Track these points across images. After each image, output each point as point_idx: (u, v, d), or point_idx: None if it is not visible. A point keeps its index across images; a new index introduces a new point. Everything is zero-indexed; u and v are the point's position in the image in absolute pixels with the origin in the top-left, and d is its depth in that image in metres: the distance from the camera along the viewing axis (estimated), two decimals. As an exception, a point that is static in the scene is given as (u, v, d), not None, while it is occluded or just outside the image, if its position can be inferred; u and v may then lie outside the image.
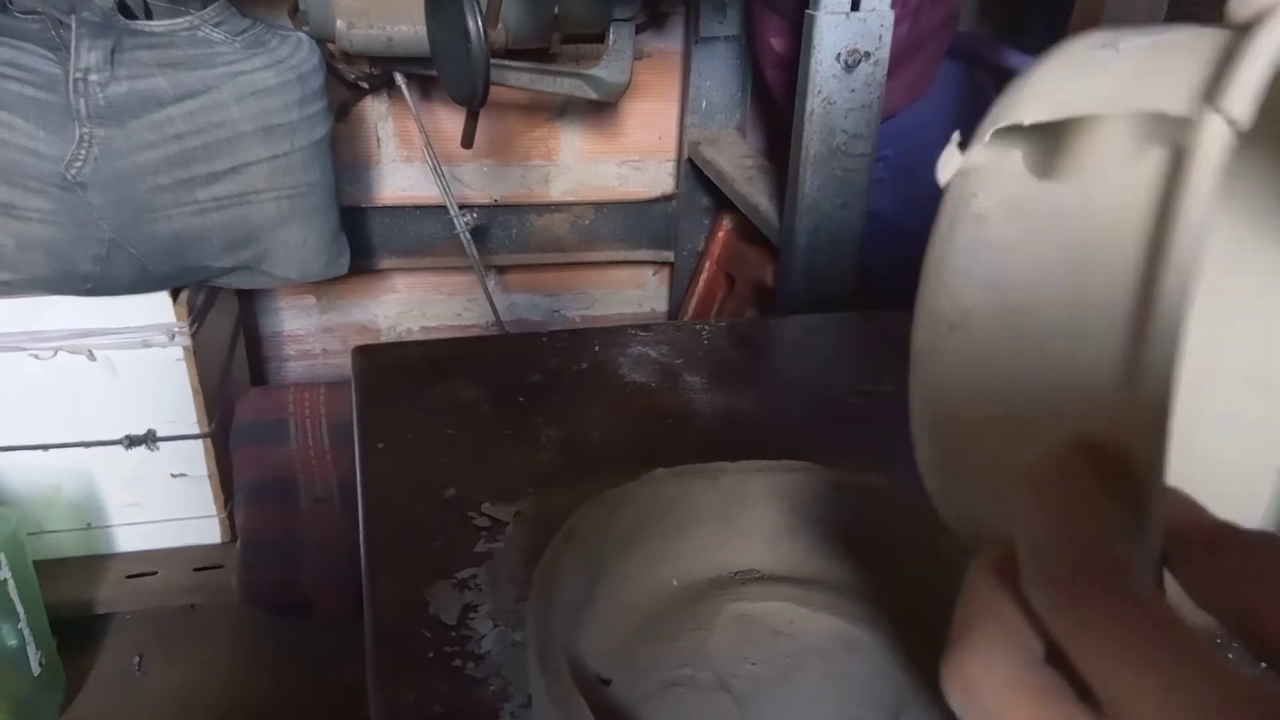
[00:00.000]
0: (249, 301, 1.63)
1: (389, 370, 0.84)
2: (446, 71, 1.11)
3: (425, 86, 1.49)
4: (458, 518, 0.66)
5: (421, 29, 1.16)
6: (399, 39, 1.24)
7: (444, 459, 0.72)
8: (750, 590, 0.56)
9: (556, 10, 1.26)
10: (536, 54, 1.38)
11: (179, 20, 1.15)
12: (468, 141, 1.19)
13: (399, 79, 1.39)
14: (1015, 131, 0.26)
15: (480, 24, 0.97)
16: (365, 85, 1.46)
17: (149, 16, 1.17)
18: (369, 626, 0.57)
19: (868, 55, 1.10)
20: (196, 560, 1.41)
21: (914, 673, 0.50)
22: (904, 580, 0.54)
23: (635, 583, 0.54)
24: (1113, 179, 0.23)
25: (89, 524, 1.38)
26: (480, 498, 0.68)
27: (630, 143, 1.66)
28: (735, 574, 0.57)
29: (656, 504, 0.54)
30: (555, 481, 0.70)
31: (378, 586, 0.60)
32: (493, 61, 1.03)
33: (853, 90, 1.12)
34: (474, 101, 1.05)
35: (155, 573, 1.39)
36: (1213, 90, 0.21)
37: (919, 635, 0.53)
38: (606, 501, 0.53)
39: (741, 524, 0.57)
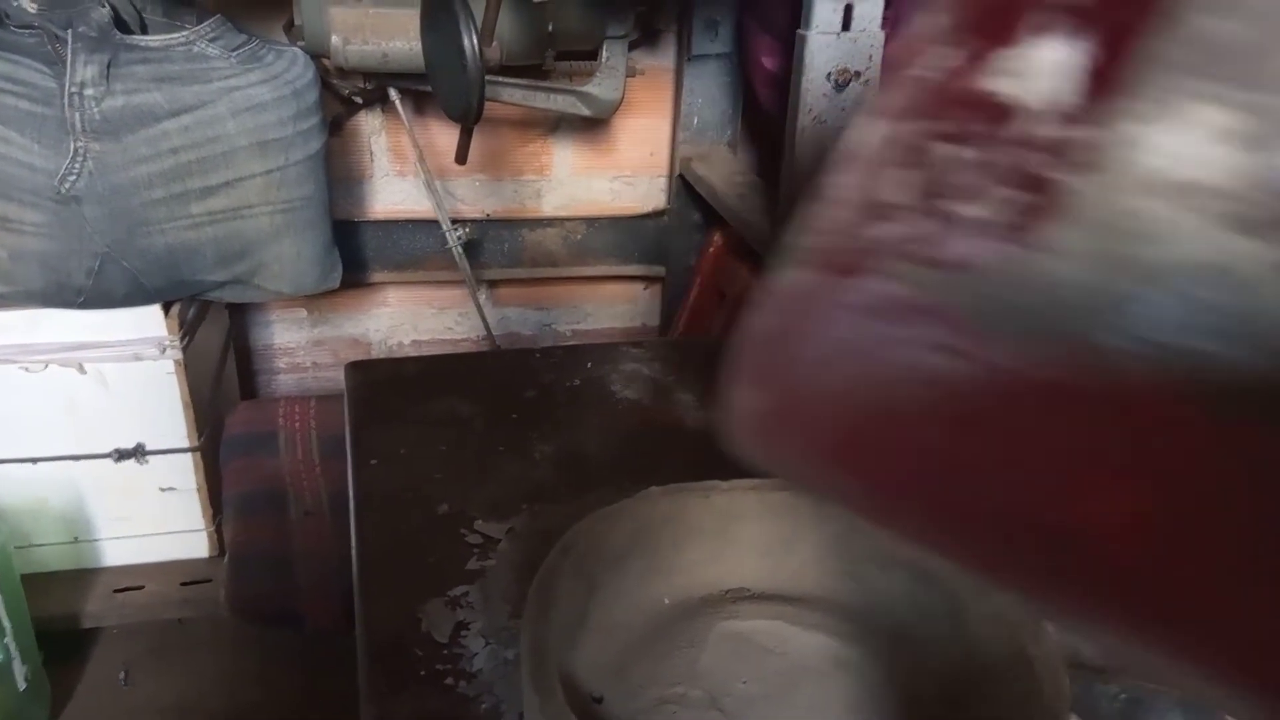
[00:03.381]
0: (240, 314, 1.63)
1: (383, 385, 0.84)
2: (441, 88, 1.11)
3: (419, 101, 1.50)
4: (451, 534, 0.66)
5: (416, 45, 1.17)
6: (394, 55, 1.24)
7: (437, 475, 0.72)
8: (742, 608, 0.56)
9: (551, 28, 1.27)
10: (530, 70, 1.38)
11: (175, 35, 1.16)
12: (462, 158, 1.19)
13: (393, 94, 1.40)
14: None
15: (475, 42, 0.98)
16: (359, 100, 1.46)
17: (145, 31, 1.17)
18: (361, 644, 0.58)
19: (858, 75, 1.11)
20: (184, 574, 1.41)
21: (904, 691, 0.51)
22: (894, 598, 0.55)
23: (628, 600, 0.54)
24: None
25: (76, 537, 1.37)
26: (474, 514, 0.68)
27: (623, 158, 1.67)
28: (727, 592, 0.57)
29: (650, 521, 0.55)
30: (548, 498, 0.70)
31: (371, 604, 0.61)
32: (487, 78, 1.04)
33: (843, 109, 1.13)
34: (469, 118, 1.05)
35: (142, 586, 1.39)
36: None
37: (909, 653, 0.53)
38: (601, 519, 0.53)
39: (734, 541, 0.57)
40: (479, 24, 1.00)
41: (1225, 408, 0.17)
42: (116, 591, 1.37)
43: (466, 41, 0.97)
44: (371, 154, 1.56)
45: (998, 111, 0.20)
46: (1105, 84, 0.19)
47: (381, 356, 1.73)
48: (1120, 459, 0.18)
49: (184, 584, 1.39)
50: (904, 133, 0.22)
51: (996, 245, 0.19)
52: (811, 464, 0.24)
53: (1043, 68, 0.19)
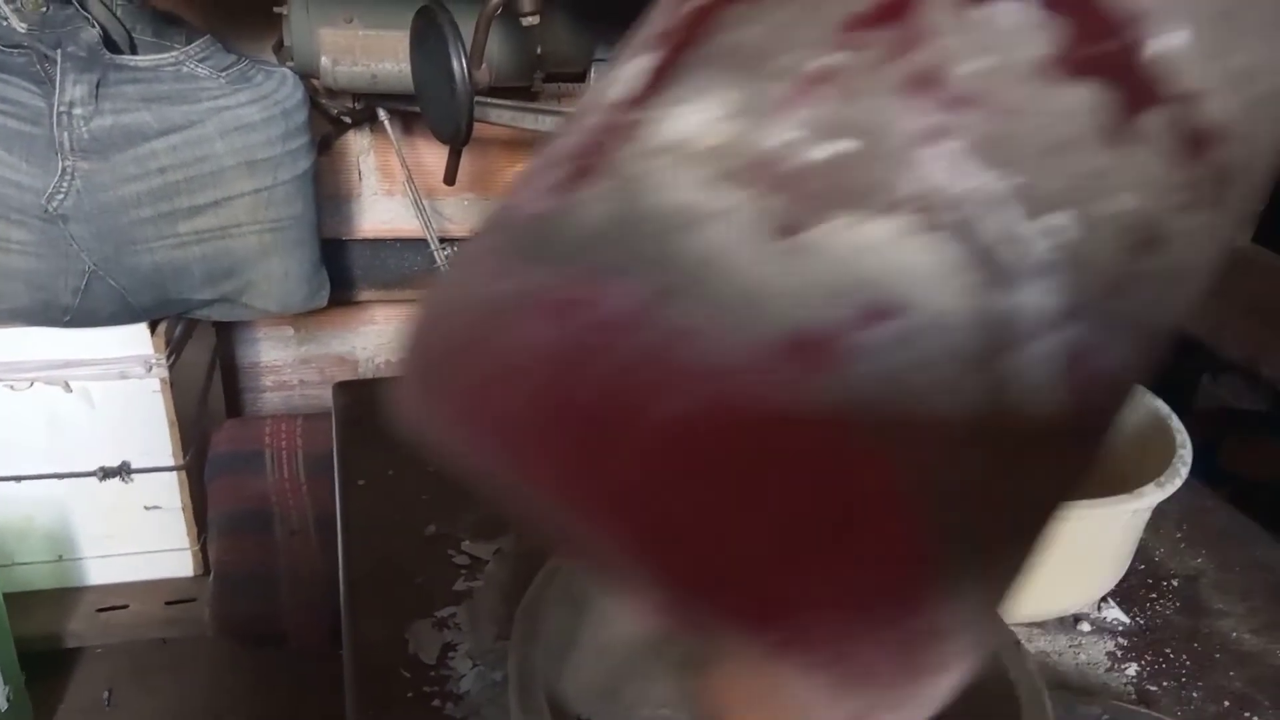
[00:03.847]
0: (226, 332, 1.63)
1: (370, 406, 0.85)
2: (430, 110, 1.12)
3: (407, 120, 1.51)
4: (438, 555, 0.66)
5: (405, 67, 1.17)
6: (383, 76, 1.25)
7: (425, 496, 0.73)
8: (728, 629, 0.56)
9: (539, 50, 1.28)
10: (519, 92, 1.39)
11: (164, 55, 1.16)
12: (451, 178, 1.20)
13: (382, 114, 1.40)
14: None
15: (465, 65, 0.99)
16: (348, 120, 1.47)
17: (134, 52, 1.18)
18: (348, 666, 0.58)
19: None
20: (168, 593, 1.40)
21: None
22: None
23: (617, 621, 0.54)
24: None
25: (60, 556, 1.37)
26: (461, 535, 0.68)
27: (610, 179, 1.68)
28: (713, 613, 0.57)
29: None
30: (535, 519, 0.71)
31: (358, 625, 0.61)
32: (476, 99, 1.05)
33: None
34: (458, 140, 1.06)
35: (126, 606, 1.38)
36: None
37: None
38: (587, 541, 0.53)
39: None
40: (468, 47, 1.01)
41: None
42: (100, 611, 1.37)
43: (456, 64, 0.98)
44: (360, 173, 1.57)
45: (596, 108, 0.25)
46: (662, 81, 0.24)
47: (368, 374, 1.74)
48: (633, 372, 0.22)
49: (168, 603, 1.39)
50: (552, 146, 0.28)
51: (556, 199, 0.24)
52: (449, 420, 0.26)
53: (629, 74, 0.25)
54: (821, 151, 0.21)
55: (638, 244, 0.22)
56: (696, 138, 0.22)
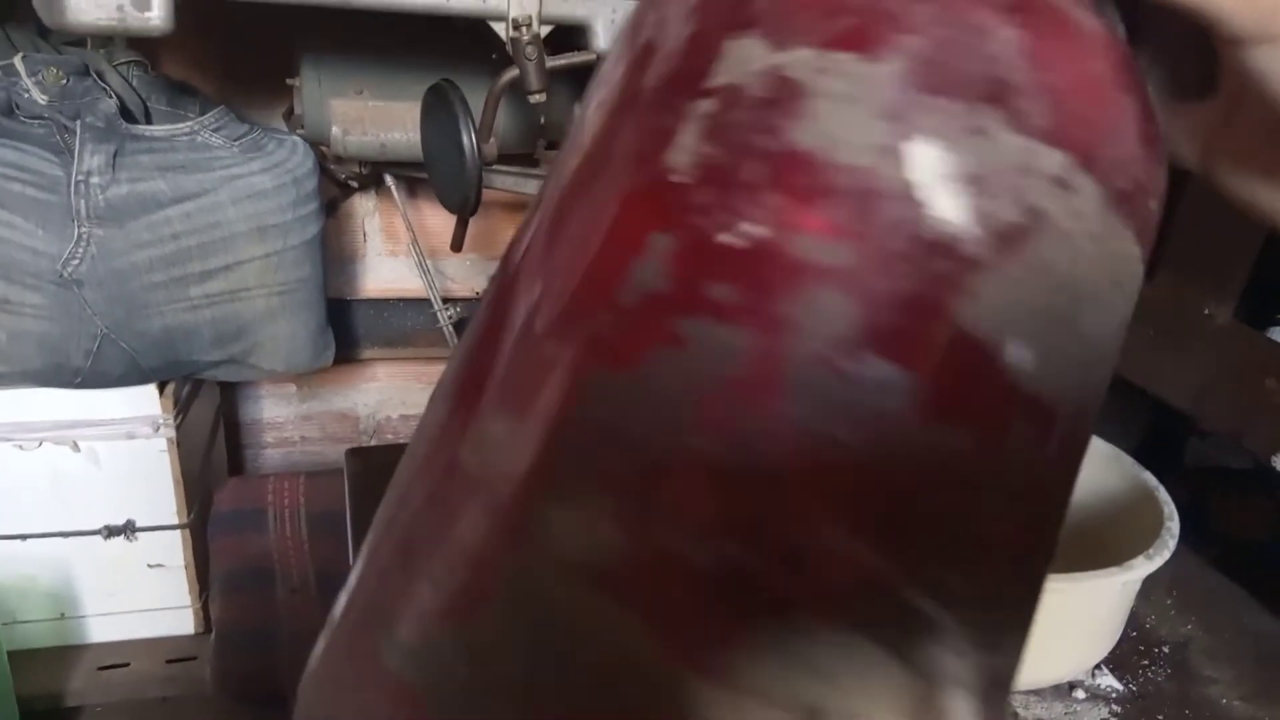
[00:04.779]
0: (229, 389, 1.65)
1: (383, 472, 0.86)
2: (439, 180, 1.15)
3: (412, 184, 1.54)
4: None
5: (414, 136, 1.21)
6: (392, 145, 1.29)
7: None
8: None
9: (542, 120, 1.32)
10: (522, 158, 1.43)
11: (179, 125, 1.20)
12: (458, 246, 1.23)
13: (388, 179, 1.44)
14: None
15: (474, 139, 1.02)
16: (355, 184, 1.50)
17: (150, 121, 1.21)
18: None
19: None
20: (170, 651, 1.41)
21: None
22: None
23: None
24: None
25: (63, 614, 1.37)
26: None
27: (609, 239, 1.71)
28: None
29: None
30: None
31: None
32: (483, 169, 1.08)
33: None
34: (466, 210, 1.09)
35: (128, 664, 1.38)
36: None
37: None
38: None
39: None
40: (477, 121, 1.05)
41: None
42: (101, 669, 1.37)
43: (466, 140, 1.01)
44: (365, 234, 1.60)
45: (465, 484, 0.27)
46: (542, 467, 0.23)
47: (369, 430, 1.76)
48: None
49: (169, 661, 1.39)
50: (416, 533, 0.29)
51: (452, 615, 0.25)
52: None
53: (495, 439, 0.26)
54: (700, 558, 0.21)
55: (548, 676, 0.22)
56: (578, 550, 0.22)
